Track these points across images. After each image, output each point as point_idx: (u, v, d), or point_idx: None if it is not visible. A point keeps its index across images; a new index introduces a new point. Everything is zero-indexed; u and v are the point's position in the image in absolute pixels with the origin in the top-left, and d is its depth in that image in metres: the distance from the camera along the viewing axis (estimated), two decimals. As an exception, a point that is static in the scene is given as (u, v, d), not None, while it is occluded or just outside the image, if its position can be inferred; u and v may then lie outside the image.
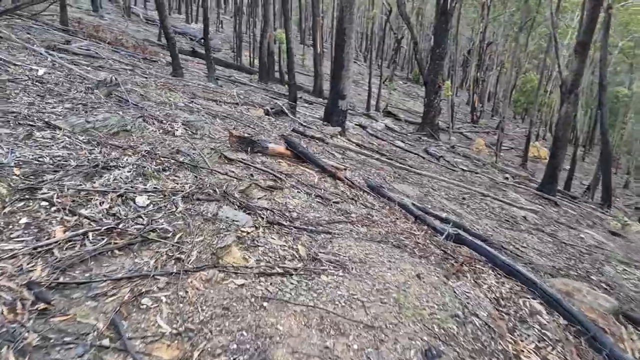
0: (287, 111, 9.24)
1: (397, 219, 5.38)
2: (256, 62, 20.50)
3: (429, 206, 7.09)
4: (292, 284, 2.87)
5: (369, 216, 5.03)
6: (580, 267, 7.15)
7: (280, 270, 2.95)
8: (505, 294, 3.78)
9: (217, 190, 3.66)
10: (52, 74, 5.53)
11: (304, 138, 8.13)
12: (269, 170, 5.06)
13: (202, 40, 27.24)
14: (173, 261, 2.66)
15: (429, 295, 3.22)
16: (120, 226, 2.86)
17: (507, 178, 15.04)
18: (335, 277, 3.12)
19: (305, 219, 4.21)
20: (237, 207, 3.59)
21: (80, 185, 3.26)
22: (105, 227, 2.77)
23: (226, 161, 4.94)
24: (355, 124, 13.46)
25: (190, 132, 4.96)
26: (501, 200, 9.73)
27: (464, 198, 8.84)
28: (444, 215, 6.40)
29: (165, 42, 22.17)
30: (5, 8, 8.72)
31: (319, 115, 11.78)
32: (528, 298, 3.81)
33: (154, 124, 4.71)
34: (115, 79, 5.25)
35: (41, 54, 6.47)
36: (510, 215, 8.84)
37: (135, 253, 2.66)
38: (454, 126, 23.22)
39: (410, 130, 18.20)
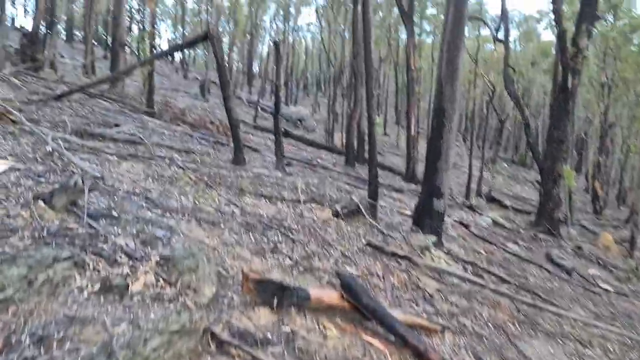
0: (363, 211, 6.73)
1: None
2: (349, 143, 18.62)
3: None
4: None
5: None
6: None
7: None
8: None
9: None
10: (21, 170, 3.79)
11: (383, 256, 5.48)
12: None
13: (298, 122, 26.65)
14: None
15: None
16: None
17: (665, 300, 10.65)
18: None
19: None
20: None
21: None
22: None
23: (210, 350, 2.46)
24: (455, 220, 10.45)
25: (162, 282, 2.65)
26: (691, 362, 5.91)
27: (635, 364, 5.32)
28: None
29: (260, 123, 21.57)
30: (71, 88, 7.74)
31: (410, 210, 9.08)
32: None
33: (96, 267, 2.47)
34: (82, 181, 3.28)
35: (44, 140, 4.93)
36: None
37: None
38: (573, 217, 18.88)
39: (522, 223, 14.54)
